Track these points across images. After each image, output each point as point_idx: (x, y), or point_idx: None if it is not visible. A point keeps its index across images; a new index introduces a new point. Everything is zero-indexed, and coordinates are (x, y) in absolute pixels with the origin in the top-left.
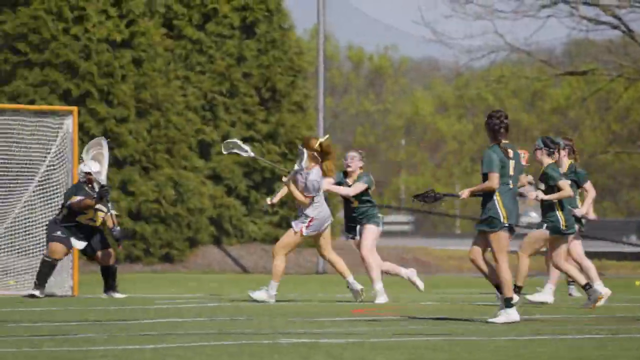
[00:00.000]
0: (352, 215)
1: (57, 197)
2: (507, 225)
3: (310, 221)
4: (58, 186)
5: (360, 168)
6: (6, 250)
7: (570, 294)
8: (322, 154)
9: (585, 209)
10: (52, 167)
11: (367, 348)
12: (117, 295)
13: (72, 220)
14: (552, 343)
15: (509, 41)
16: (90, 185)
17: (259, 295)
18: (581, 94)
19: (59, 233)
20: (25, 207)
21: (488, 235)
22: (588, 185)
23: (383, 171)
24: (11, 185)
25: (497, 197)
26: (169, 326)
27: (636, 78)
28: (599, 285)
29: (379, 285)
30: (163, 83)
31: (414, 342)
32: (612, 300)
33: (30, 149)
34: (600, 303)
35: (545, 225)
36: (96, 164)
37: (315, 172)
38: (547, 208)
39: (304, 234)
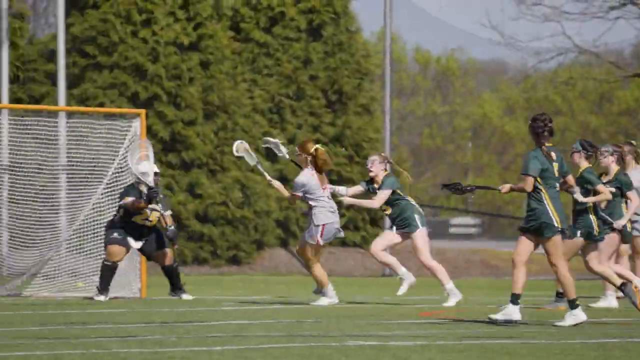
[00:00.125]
0: (395, 219)
1: None
2: (560, 229)
3: (322, 229)
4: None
5: (385, 170)
6: (75, 252)
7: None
8: (315, 160)
9: (626, 219)
10: (120, 170)
11: (434, 351)
12: (185, 296)
13: (128, 220)
14: (622, 345)
15: (577, 43)
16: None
17: (322, 302)
18: None
19: (115, 235)
20: (93, 209)
21: (543, 242)
22: (632, 194)
23: (449, 173)
24: (80, 187)
25: (548, 202)
26: (236, 328)
27: None
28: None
29: (449, 285)
30: (230, 86)
31: (482, 345)
32: None
33: (98, 152)
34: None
35: (579, 232)
36: (146, 163)
37: (302, 174)
38: (580, 212)
39: (321, 243)
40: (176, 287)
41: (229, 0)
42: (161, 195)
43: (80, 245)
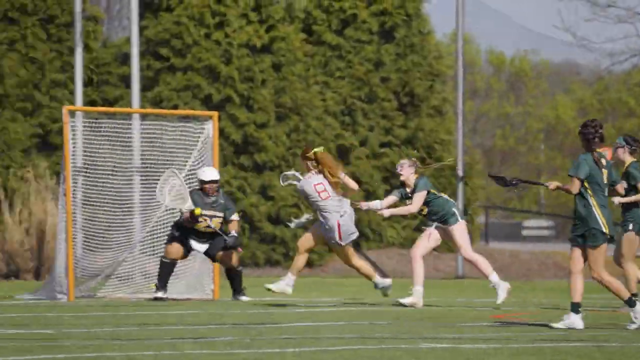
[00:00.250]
0: (434, 217)
1: None
2: (609, 236)
3: (338, 229)
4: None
5: (415, 173)
6: (148, 253)
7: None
8: (318, 163)
9: None
10: (193, 172)
11: (506, 353)
12: (244, 298)
13: (191, 226)
14: None
15: None
16: (206, 194)
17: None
18: None
19: (177, 234)
20: (166, 211)
21: (588, 248)
22: None
23: (522, 174)
24: (153, 189)
25: (595, 209)
26: (308, 330)
27: None
28: None
29: (494, 277)
30: (302, 88)
31: (555, 347)
32: None
33: (172, 154)
34: None
35: (630, 225)
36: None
37: (301, 182)
38: (629, 205)
39: (342, 243)
40: (236, 290)
41: (301, 2)
42: (221, 201)
43: (153, 246)
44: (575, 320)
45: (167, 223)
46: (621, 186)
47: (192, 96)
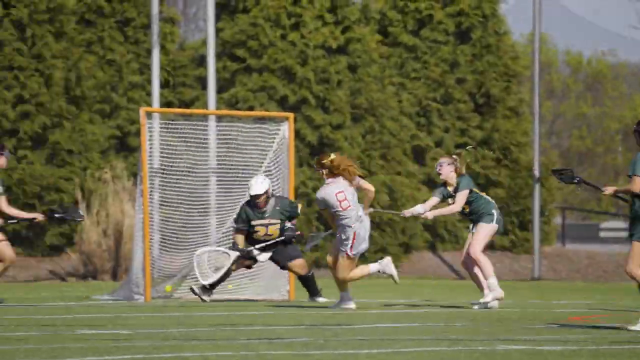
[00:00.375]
0: (470, 217)
1: None
2: None
3: (353, 239)
4: (274, 192)
5: (456, 171)
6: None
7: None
8: (334, 169)
9: None
10: (268, 173)
11: (585, 356)
12: (321, 299)
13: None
14: None
15: None
16: (257, 208)
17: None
18: None
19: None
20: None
21: (634, 241)
22: None
23: (599, 176)
24: (229, 190)
25: None
26: (383, 331)
27: None
28: None
29: (493, 280)
30: (378, 89)
31: (633, 350)
32: None
33: (247, 155)
34: None
35: None
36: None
37: (320, 190)
38: None
39: (351, 255)
40: (312, 293)
41: (377, 3)
42: (277, 208)
43: (229, 248)
44: None
45: None
46: None
47: (267, 97)
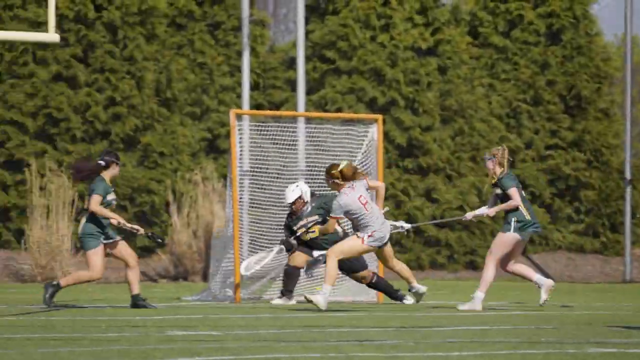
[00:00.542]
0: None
1: None
2: None
3: (372, 232)
4: (316, 193)
5: (500, 166)
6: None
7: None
8: (347, 177)
9: None
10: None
11: None
12: (406, 301)
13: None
14: None
15: None
16: (294, 214)
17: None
18: None
19: (296, 242)
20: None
21: None
22: None
23: None
24: (318, 193)
25: None
26: (473, 333)
27: None
28: None
29: (480, 295)
30: (467, 90)
31: None
32: None
33: (336, 157)
34: None
35: None
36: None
37: (341, 195)
38: None
39: (365, 243)
40: (393, 296)
41: (467, 5)
42: (313, 204)
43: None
44: None
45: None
46: None
47: (356, 99)
